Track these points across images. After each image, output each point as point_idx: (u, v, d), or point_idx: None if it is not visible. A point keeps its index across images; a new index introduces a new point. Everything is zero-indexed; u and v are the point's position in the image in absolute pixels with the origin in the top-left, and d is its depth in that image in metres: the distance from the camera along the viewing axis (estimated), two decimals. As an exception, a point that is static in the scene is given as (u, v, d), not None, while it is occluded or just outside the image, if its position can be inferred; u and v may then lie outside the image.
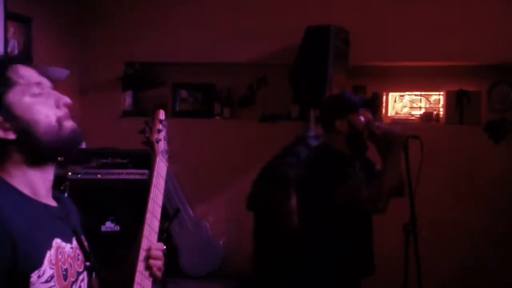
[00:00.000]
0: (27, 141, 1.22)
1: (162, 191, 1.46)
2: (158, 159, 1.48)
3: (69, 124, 1.28)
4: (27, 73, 1.27)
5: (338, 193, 2.31)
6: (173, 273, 4.49)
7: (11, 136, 1.21)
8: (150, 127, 1.51)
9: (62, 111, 1.29)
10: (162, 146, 1.51)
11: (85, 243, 1.36)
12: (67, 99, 1.31)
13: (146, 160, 4.45)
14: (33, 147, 1.23)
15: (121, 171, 4.41)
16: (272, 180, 3.50)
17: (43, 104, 1.26)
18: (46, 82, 1.30)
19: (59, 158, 1.33)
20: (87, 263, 1.33)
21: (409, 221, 2.40)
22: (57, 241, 1.22)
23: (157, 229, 1.42)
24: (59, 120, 1.26)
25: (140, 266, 1.32)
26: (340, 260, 2.39)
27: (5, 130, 1.21)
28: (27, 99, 1.23)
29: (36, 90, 1.25)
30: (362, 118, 2.45)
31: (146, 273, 1.34)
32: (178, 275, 4.57)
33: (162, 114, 1.54)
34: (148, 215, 1.38)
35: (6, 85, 1.22)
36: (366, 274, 2.51)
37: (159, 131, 1.51)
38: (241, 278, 4.48)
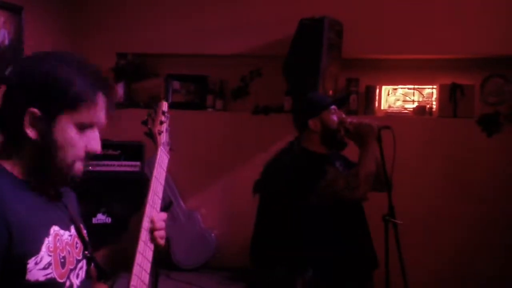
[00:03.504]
0: (40, 152, 1.20)
1: (163, 182, 1.44)
2: (159, 150, 1.47)
3: (78, 167, 1.25)
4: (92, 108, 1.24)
5: (317, 191, 2.33)
6: (165, 265, 4.49)
7: (32, 134, 1.18)
8: (152, 119, 1.51)
9: (82, 154, 1.25)
10: (164, 138, 1.51)
11: (84, 232, 1.34)
12: (97, 150, 1.28)
13: (138, 152, 4.43)
14: (40, 160, 1.21)
15: (113, 162, 4.39)
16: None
17: (79, 140, 1.23)
18: (100, 124, 1.27)
19: None
20: (86, 252, 1.32)
21: (387, 211, 2.44)
22: (55, 229, 1.21)
23: None
24: (73, 159, 1.24)
25: (144, 235, 1.32)
26: (338, 258, 2.38)
27: (32, 126, 1.18)
28: (71, 130, 1.21)
29: (86, 125, 1.23)
30: (335, 117, 2.49)
31: (148, 242, 1.33)
32: (170, 268, 4.57)
33: (165, 106, 1.53)
34: (148, 208, 1.36)
35: (63, 104, 1.19)
36: (371, 269, 2.51)
37: (161, 122, 1.51)
38: (233, 270, 4.49)
